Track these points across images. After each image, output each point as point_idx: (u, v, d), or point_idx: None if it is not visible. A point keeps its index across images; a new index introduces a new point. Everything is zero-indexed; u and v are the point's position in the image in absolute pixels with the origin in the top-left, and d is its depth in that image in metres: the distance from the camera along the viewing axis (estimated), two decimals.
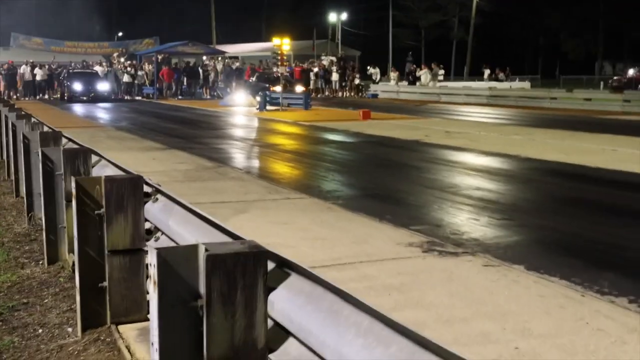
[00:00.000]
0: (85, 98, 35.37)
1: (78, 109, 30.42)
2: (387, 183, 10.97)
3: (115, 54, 49.79)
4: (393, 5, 63.27)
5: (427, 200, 9.43)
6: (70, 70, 40.77)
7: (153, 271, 2.72)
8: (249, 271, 2.69)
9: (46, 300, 5.41)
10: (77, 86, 35.93)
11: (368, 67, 47.30)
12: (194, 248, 2.74)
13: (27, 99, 38.01)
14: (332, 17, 64.89)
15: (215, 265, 2.63)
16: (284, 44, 29.90)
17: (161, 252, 2.71)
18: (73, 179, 4.57)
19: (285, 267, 2.84)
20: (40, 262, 6.41)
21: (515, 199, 9.70)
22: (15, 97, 37.63)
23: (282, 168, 13.03)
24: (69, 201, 5.73)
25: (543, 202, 9.52)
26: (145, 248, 4.54)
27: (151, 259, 2.73)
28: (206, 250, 2.63)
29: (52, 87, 41.01)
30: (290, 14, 73.57)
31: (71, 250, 5.97)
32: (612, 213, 8.65)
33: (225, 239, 3.32)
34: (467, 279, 5.58)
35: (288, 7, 76.66)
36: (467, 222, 7.92)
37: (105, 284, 4.46)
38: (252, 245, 2.76)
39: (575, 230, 7.65)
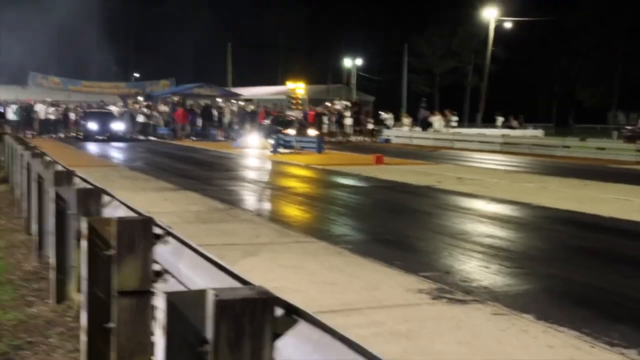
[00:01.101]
0: (100, 137, 35.74)
1: (92, 148, 30.66)
2: (398, 228, 10.95)
3: (132, 95, 50.25)
4: (408, 52, 63.75)
5: (438, 246, 9.40)
6: (86, 110, 41.31)
7: (161, 315, 2.71)
8: (257, 317, 2.68)
9: (52, 340, 5.39)
10: (93, 125, 36.47)
11: (381, 112, 47.55)
12: (202, 293, 2.74)
13: (42, 137, 38.32)
14: (347, 62, 65.45)
15: (224, 311, 2.62)
16: (298, 87, 30.14)
17: (170, 297, 2.71)
18: (85, 219, 4.59)
19: (294, 314, 2.82)
20: (48, 301, 6.40)
21: (526, 247, 9.65)
22: (31, 135, 37.96)
23: (294, 211, 13.03)
24: (79, 241, 5.75)
25: (554, 251, 9.46)
26: (153, 290, 4.54)
27: (160, 303, 2.73)
28: (215, 295, 2.63)
29: (67, 125, 41.38)
30: (305, 58, 74.25)
31: (79, 290, 5.97)
32: (625, 263, 8.59)
33: (235, 283, 3.31)
34: (475, 327, 5.54)
35: (303, 51, 77.38)
36: (477, 269, 7.88)
37: (112, 324, 4.44)
38: (261, 291, 2.75)
39: (587, 280, 7.59)
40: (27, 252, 8.58)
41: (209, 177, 18.48)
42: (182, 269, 4.13)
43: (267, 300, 2.74)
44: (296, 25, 76.66)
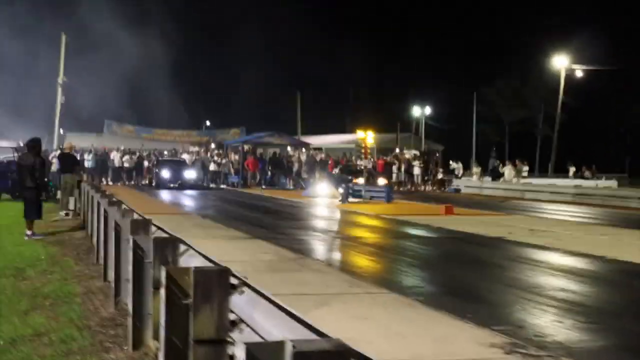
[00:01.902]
0: (172, 185, 36.41)
1: (165, 195, 31.27)
2: (469, 280, 10.86)
3: (203, 143, 51.21)
4: (478, 100, 63.58)
5: (510, 299, 9.29)
6: (159, 158, 42.18)
7: None
8: None
9: None
10: (165, 173, 37.18)
11: (451, 162, 47.39)
12: (281, 344, 2.80)
13: (117, 184, 39.26)
14: (416, 110, 65.57)
15: None
16: (367, 136, 30.28)
17: (250, 347, 2.79)
18: (163, 268, 4.73)
19: None
20: (125, 348, 6.55)
21: (601, 301, 9.46)
22: (105, 182, 38.93)
23: (363, 261, 13.05)
24: (156, 289, 5.90)
25: (631, 306, 9.24)
26: (229, 339, 4.63)
27: (239, 353, 2.81)
28: (293, 347, 2.69)
29: (140, 173, 42.35)
30: (374, 107, 74.68)
31: (155, 337, 6.11)
32: None
33: (309, 334, 3.37)
34: None
35: (372, 100, 77.90)
36: (550, 324, 7.76)
37: None
38: (337, 344, 2.81)
39: None
40: (104, 299, 8.80)
41: (279, 225, 18.65)
42: (257, 319, 4.22)
43: (343, 353, 2.80)
44: (365, 73, 77.37)
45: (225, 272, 4.60)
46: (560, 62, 55.43)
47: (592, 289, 10.33)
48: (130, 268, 6.47)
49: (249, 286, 4.59)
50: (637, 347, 6.95)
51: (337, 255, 14.06)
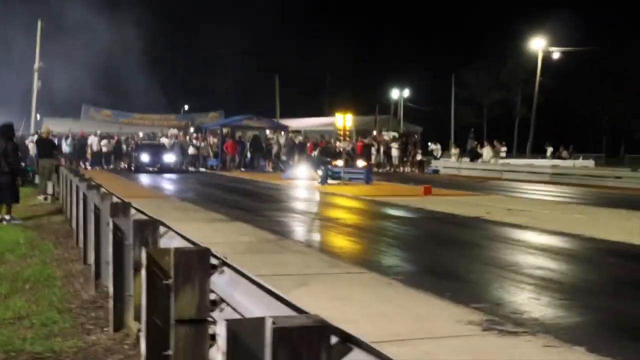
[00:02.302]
0: (151, 169, 36.37)
1: (144, 179, 31.17)
2: (448, 260, 10.97)
3: (182, 126, 51.06)
4: (456, 83, 63.73)
5: (488, 278, 9.40)
6: (138, 142, 42.15)
7: (221, 342, 2.83)
8: (314, 345, 2.78)
9: None
10: (145, 157, 37.17)
11: (429, 143, 47.56)
12: (261, 321, 2.85)
13: (96, 168, 39.07)
14: (395, 93, 65.65)
15: (282, 338, 2.73)
16: (346, 119, 30.33)
17: (230, 324, 2.83)
18: (144, 250, 4.75)
19: (348, 342, 2.92)
20: (106, 329, 6.58)
21: (577, 279, 9.60)
22: (83, 166, 38.73)
23: (343, 242, 13.12)
24: (137, 270, 5.92)
25: (607, 284, 9.39)
26: (210, 319, 4.68)
27: (220, 330, 2.85)
28: (273, 323, 2.74)
29: (118, 157, 42.18)
30: (352, 89, 74.72)
31: (136, 318, 6.13)
32: None
33: (290, 312, 3.42)
34: None
35: (350, 82, 77.89)
36: (527, 301, 7.88)
37: (170, 352, 4.58)
38: (317, 319, 2.86)
39: (636, 312, 7.53)
40: (84, 282, 8.81)
41: (259, 208, 18.68)
42: (238, 298, 4.26)
43: (323, 329, 2.84)
44: (343, 56, 77.26)
45: (205, 252, 4.63)
46: (538, 44, 55.63)
47: (569, 266, 10.46)
48: (110, 250, 6.48)
49: (229, 266, 4.63)
50: (612, 323, 7.07)
51: (316, 237, 14.12)
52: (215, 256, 4.79)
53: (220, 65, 76.86)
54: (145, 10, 71.81)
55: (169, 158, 38.32)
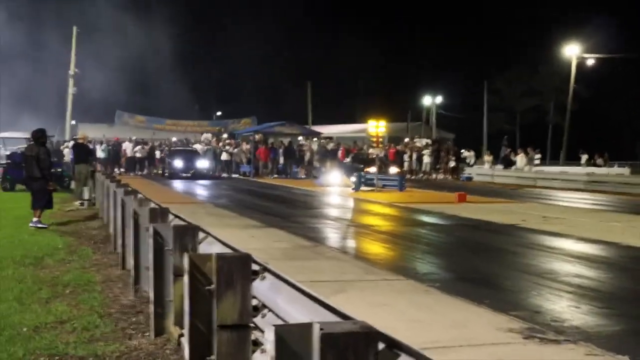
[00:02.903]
0: (185, 175, 36.54)
1: (178, 185, 31.39)
2: (485, 267, 10.91)
3: (215, 132, 51.34)
4: (488, 90, 63.40)
5: (525, 285, 9.33)
6: (172, 148, 42.58)
7: (270, 347, 2.85)
8: (361, 350, 2.79)
9: None
10: (178, 163, 37.29)
11: (462, 150, 47.33)
12: (308, 326, 2.86)
13: (130, 174, 39.41)
14: (427, 100, 65.47)
15: (329, 344, 2.74)
16: (379, 126, 30.30)
17: (278, 330, 2.85)
18: (186, 255, 4.79)
19: (395, 348, 2.93)
20: (147, 334, 6.63)
21: (616, 287, 9.50)
22: (118, 172, 39.09)
23: (378, 249, 13.11)
24: (177, 275, 5.98)
25: None
26: (252, 324, 4.71)
27: (268, 335, 2.87)
28: (320, 329, 2.75)
29: (152, 163, 42.53)
30: (384, 96, 74.62)
31: (177, 324, 6.19)
32: None
33: (334, 318, 3.43)
34: None
35: (383, 89, 77.80)
36: (567, 309, 7.82)
37: (214, 357, 4.61)
38: (364, 325, 2.87)
39: None
40: (123, 287, 8.89)
41: (293, 214, 18.72)
42: (281, 304, 4.29)
43: (370, 335, 2.86)
44: (375, 62, 77.24)
45: (247, 258, 4.66)
46: (571, 51, 55.18)
47: (607, 274, 10.35)
48: (150, 256, 6.54)
49: (272, 272, 4.66)
50: None
51: (351, 244, 14.12)
52: (256, 262, 4.83)
53: (253, 71, 77.21)
54: (178, 17, 72.37)
55: (202, 164, 38.23)
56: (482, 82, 63.40)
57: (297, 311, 3.93)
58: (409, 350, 2.86)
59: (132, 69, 58.03)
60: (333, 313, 3.54)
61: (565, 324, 7.08)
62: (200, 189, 29.58)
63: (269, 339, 2.89)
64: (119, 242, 10.59)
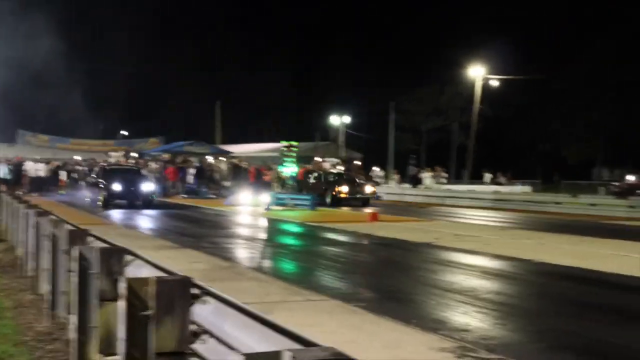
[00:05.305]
0: (127, 202, 29.06)
1: (84, 204, 30.44)
2: (407, 286, 10.92)
3: (123, 152, 50.28)
4: (396, 110, 64.34)
5: (450, 304, 9.35)
6: (107, 167, 34.62)
7: None
8: None
9: None
10: (116, 187, 28.76)
11: (373, 169, 47.75)
12: (277, 354, 2.72)
13: (33, 194, 38.09)
14: (335, 119, 65.93)
15: None
16: (292, 145, 30.34)
17: (249, 358, 2.70)
18: (124, 279, 4.56)
19: None
20: None
21: (537, 303, 9.65)
22: (22, 192, 37.74)
23: (298, 269, 13.00)
24: (103, 300, 5.69)
25: (566, 307, 9.43)
26: (189, 351, 4.49)
27: None
28: (293, 357, 2.61)
29: (56, 183, 41.31)
30: (293, 116, 74.84)
31: (102, 351, 5.88)
32: (637, 320, 8.59)
33: (292, 343, 3.28)
34: None
35: (292, 109, 77.97)
36: (494, 327, 7.87)
37: None
38: (335, 352, 2.74)
39: (601, 337, 7.57)
40: (37, 312, 8.47)
41: (206, 234, 18.40)
42: (228, 329, 4.09)
43: None
44: (284, 83, 77.35)
45: (187, 282, 4.46)
46: (476, 72, 56.54)
47: (526, 290, 10.54)
48: (74, 280, 6.23)
49: (215, 295, 4.46)
50: (578, 346, 7.09)
51: (270, 263, 13.92)
52: (197, 285, 4.62)
53: (160, 90, 76.18)
54: (83, 33, 70.90)
55: (148, 187, 30.01)
56: (389, 101, 64.21)
57: (249, 337, 3.75)
58: None
59: (35, 88, 56.32)
60: (290, 338, 3.39)
61: (494, 342, 7.10)
62: (108, 209, 28.76)
63: None
64: (31, 265, 10.13)
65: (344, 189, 33.08)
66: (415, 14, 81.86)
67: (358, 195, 33.44)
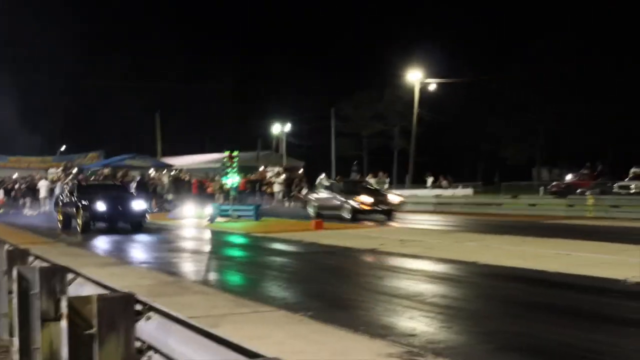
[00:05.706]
0: (111, 225, 25.42)
1: (20, 222, 29.84)
2: (354, 293, 10.95)
3: (66, 168, 49.32)
4: (337, 116, 64.59)
5: (396, 309, 9.40)
6: (83, 183, 30.55)
7: None
8: None
9: None
10: (100, 206, 24.34)
11: (322, 175, 47.77)
12: None
13: None
14: (276, 128, 65.91)
15: None
16: (234, 157, 30.18)
17: None
18: (65, 299, 4.49)
19: None
20: None
21: (482, 305, 9.75)
22: None
23: (243, 280, 12.94)
24: (45, 321, 5.59)
25: (512, 309, 9.54)
26: None
27: None
28: None
29: None
30: (233, 125, 74.50)
31: None
32: (583, 318, 8.74)
33: (239, 356, 3.27)
34: None
35: (233, 118, 77.67)
36: (440, 330, 7.93)
37: None
38: None
39: (549, 336, 7.69)
40: None
41: (150, 249, 18.23)
42: (173, 345, 4.05)
43: None
44: (224, 93, 77.06)
45: (129, 298, 4.41)
46: (414, 76, 57.10)
47: (471, 293, 10.65)
48: (15, 301, 6.10)
49: (157, 310, 4.42)
50: (526, 347, 7.18)
51: (215, 276, 13.83)
52: (140, 301, 4.57)
53: (98, 103, 75.22)
54: (19, 46, 69.65)
55: (139, 205, 25.42)
56: (330, 107, 64.48)
57: (194, 351, 3.73)
58: None
59: None
60: (235, 351, 3.38)
61: (441, 345, 7.16)
62: (48, 226, 28.21)
63: None
64: None
65: (366, 199, 27.85)
66: (353, 19, 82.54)
67: (381, 207, 28.09)
